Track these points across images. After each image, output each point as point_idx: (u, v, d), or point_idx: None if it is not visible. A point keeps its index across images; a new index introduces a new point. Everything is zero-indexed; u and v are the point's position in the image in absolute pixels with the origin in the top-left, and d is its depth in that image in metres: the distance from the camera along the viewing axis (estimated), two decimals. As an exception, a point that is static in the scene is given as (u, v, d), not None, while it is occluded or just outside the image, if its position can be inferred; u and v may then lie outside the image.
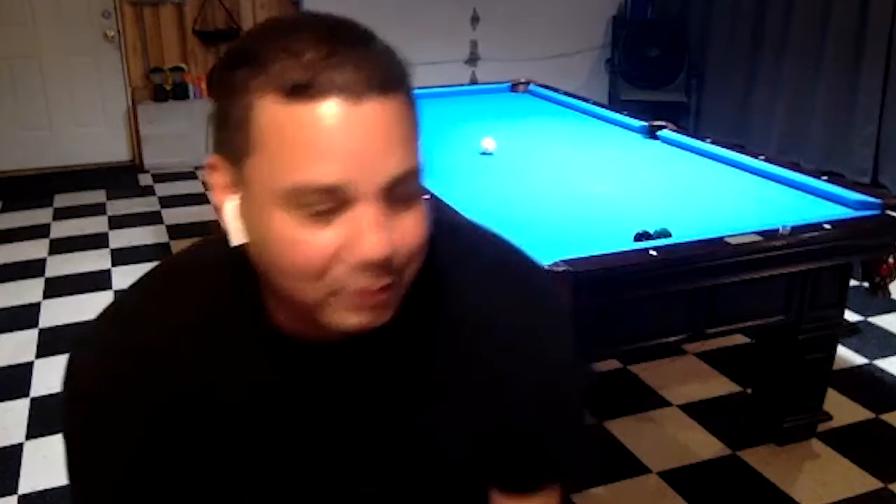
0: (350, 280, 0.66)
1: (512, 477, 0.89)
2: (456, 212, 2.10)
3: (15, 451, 2.41)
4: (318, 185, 0.63)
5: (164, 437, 0.77)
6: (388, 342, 0.76)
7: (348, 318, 0.69)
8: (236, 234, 0.70)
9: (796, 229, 2.00)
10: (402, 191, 0.67)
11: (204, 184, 5.03)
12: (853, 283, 2.29)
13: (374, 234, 0.64)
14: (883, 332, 3.12)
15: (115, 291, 3.50)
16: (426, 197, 0.73)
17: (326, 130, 0.62)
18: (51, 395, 2.70)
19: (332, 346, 0.75)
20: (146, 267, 0.85)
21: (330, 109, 0.62)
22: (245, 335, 0.77)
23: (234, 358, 0.77)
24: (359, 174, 0.64)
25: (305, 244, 0.65)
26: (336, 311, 0.68)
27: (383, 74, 0.65)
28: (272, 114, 0.63)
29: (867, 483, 2.26)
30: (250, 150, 0.65)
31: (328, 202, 0.64)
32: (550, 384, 0.85)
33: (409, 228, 0.68)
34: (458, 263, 0.82)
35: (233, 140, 0.67)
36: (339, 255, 0.65)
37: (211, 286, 0.78)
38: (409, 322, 0.76)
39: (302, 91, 0.62)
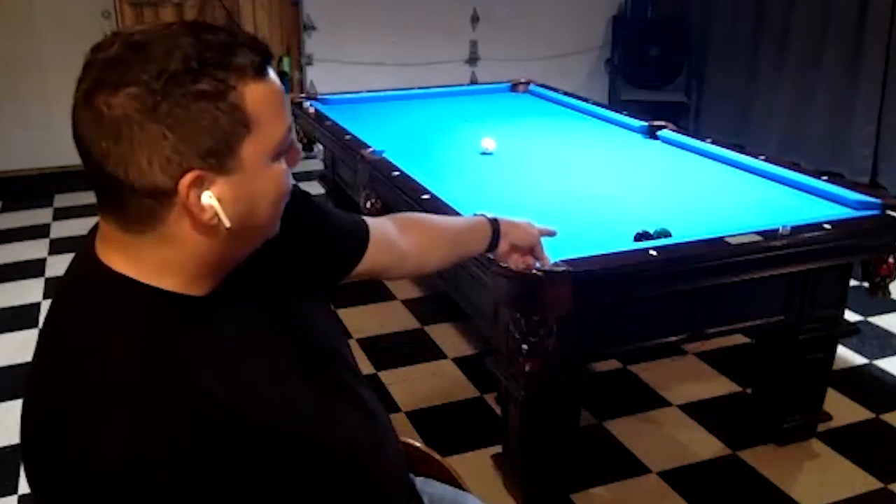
0: (290, 186, 0.90)
1: (346, 256, 1.18)
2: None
3: (15, 451, 2.41)
4: (289, 125, 0.88)
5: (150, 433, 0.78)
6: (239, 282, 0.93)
7: (278, 225, 0.92)
8: (225, 219, 0.83)
9: (796, 229, 2.00)
10: None
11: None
12: (853, 283, 2.28)
13: (297, 143, 0.93)
14: (883, 332, 3.12)
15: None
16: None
17: (277, 89, 0.85)
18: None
19: (219, 292, 0.90)
20: (146, 267, 0.86)
21: (271, 76, 0.85)
22: (181, 314, 0.86)
23: (191, 328, 0.86)
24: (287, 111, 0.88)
25: (285, 172, 0.88)
26: (277, 223, 0.91)
27: (262, 47, 0.87)
28: (255, 93, 0.81)
29: (867, 483, 2.26)
30: (247, 132, 0.82)
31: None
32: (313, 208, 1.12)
33: None
34: None
35: (227, 137, 0.80)
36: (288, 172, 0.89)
37: (113, 298, 0.85)
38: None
39: (264, 66, 0.83)
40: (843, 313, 2.32)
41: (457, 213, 2.11)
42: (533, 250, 1.42)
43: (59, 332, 0.87)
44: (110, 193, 0.82)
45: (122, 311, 0.84)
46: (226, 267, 0.89)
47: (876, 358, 2.94)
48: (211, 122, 0.78)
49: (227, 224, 0.82)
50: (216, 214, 0.82)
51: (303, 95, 3.95)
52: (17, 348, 3.04)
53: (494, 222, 1.35)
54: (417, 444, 1.33)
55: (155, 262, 0.84)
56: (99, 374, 0.79)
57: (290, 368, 0.96)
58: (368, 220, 1.23)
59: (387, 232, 1.24)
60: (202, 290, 0.88)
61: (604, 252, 1.86)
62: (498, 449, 2.25)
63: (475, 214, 1.39)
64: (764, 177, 2.52)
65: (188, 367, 0.82)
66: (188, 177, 0.79)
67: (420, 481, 1.26)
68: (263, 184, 0.85)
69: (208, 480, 0.77)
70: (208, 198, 0.80)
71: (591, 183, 2.56)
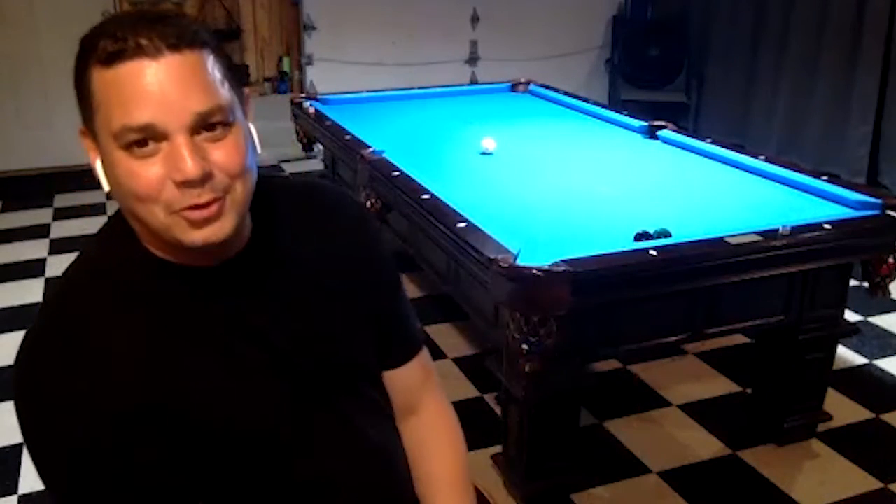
0: (179, 198, 0.85)
1: (391, 353, 1.15)
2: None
3: (15, 451, 2.41)
4: (135, 125, 0.83)
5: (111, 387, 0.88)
6: (252, 261, 0.97)
7: (192, 235, 0.87)
8: (105, 184, 0.90)
9: (796, 229, 2.00)
10: (212, 124, 0.86)
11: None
12: (853, 283, 2.28)
13: (186, 159, 0.84)
14: (883, 332, 3.12)
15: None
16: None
17: (134, 83, 0.83)
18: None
19: (212, 269, 0.94)
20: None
21: (135, 67, 0.83)
22: (153, 279, 0.93)
23: (155, 299, 0.93)
24: (165, 114, 0.83)
25: (142, 174, 0.85)
26: (180, 230, 0.87)
27: (175, 38, 0.84)
28: (99, 79, 0.84)
29: (867, 483, 2.26)
30: (95, 111, 0.85)
31: (148, 138, 0.84)
32: (389, 268, 1.15)
33: (225, 152, 0.87)
34: (290, 195, 1.08)
35: (85, 108, 0.87)
36: (165, 180, 0.85)
37: (105, 252, 0.97)
38: (264, 241, 0.98)
39: (114, 57, 0.83)
40: (843, 313, 2.32)
41: (457, 214, 2.11)
42: None
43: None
44: None
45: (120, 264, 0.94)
46: (162, 240, 0.90)
47: (876, 358, 2.94)
48: (79, 90, 0.88)
49: (105, 186, 0.89)
50: (98, 175, 0.90)
51: (303, 95, 3.95)
52: (17, 348, 3.03)
53: None
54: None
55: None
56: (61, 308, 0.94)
57: (263, 372, 0.97)
58: (423, 357, 1.20)
59: (423, 384, 1.21)
60: (193, 260, 0.93)
61: (604, 252, 1.86)
62: (498, 449, 2.25)
63: None
64: (764, 177, 2.52)
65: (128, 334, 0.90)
66: (80, 129, 0.91)
67: None
68: (115, 168, 0.86)
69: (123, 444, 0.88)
70: (92, 154, 0.90)
71: (591, 183, 2.56)
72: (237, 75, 0.92)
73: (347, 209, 1.12)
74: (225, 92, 0.87)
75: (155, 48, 0.82)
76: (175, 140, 0.84)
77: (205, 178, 0.85)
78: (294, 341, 0.99)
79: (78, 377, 0.87)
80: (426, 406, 1.20)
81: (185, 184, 0.84)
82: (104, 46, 0.83)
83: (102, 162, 0.89)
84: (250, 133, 0.93)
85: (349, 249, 1.08)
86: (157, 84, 0.82)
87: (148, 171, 0.84)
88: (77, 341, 0.89)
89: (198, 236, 0.87)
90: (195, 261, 0.93)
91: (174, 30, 0.84)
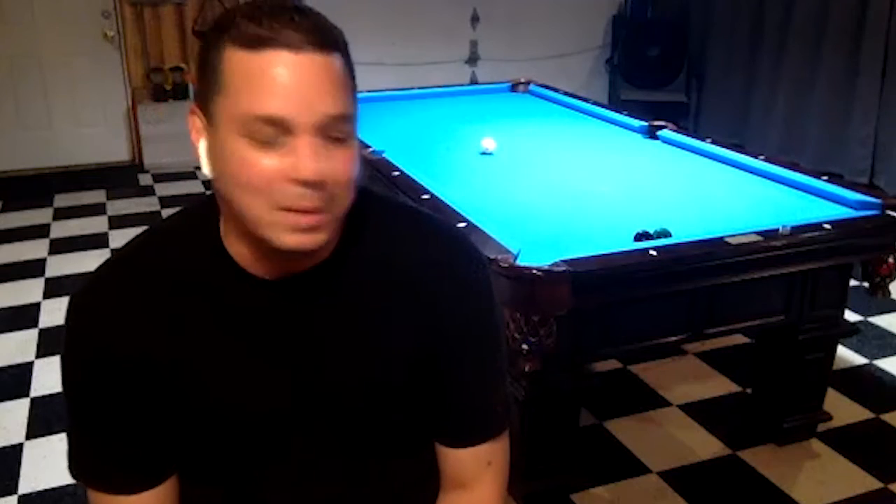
0: (289, 197, 0.83)
1: (447, 428, 1.03)
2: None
3: (15, 451, 2.41)
4: (264, 115, 0.81)
5: (150, 356, 0.92)
6: (329, 276, 0.94)
7: (288, 237, 0.85)
8: (206, 167, 0.88)
9: (796, 229, 2.00)
10: (335, 130, 0.84)
11: (204, 181, 5.04)
12: (853, 283, 2.28)
13: (309, 159, 0.82)
14: (883, 332, 3.12)
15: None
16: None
17: (272, 73, 0.81)
18: (51, 395, 2.70)
19: (285, 281, 0.93)
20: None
21: (276, 57, 0.81)
22: (212, 272, 0.93)
23: (204, 289, 0.93)
24: (297, 109, 0.81)
25: (256, 164, 0.82)
26: (278, 230, 0.85)
27: (318, 37, 0.83)
28: (234, 59, 0.82)
29: (867, 483, 2.26)
30: (218, 91, 0.83)
31: (273, 130, 0.82)
32: (472, 314, 0.99)
33: (340, 162, 0.85)
34: (385, 215, 1.01)
35: (207, 86, 0.85)
36: (280, 175, 0.82)
37: (184, 236, 0.97)
38: (344, 261, 0.95)
39: (256, 42, 0.81)
40: (843, 313, 2.32)
41: (457, 214, 2.11)
42: None
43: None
44: None
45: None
46: (255, 250, 0.90)
47: (876, 358, 2.94)
48: (204, 65, 0.86)
49: (205, 169, 0.88)
50: (200, 158, 0.88)
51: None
52: (17, 348, 3.04)
53: None
54: None
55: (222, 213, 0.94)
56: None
57: (266, 373, 0.96)
58: (490, 449, 1.05)
59: (479, 470, 1.06)
60: (265, 272, 0.92)
61: (604, 252, 1.85)
62: (498, 449, 2.24)
63: None
64: (764, 177, 2.52)
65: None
66: (191, 107, 0.90)
67: None
68: (227, 155, 0.84)
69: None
70: (196, 135, 0.89)
71: (592, 183, 2.55)
72: (356, 89, 0.89)
73: (442, 246, 1.00)
74: (351, 101, 0.86)
75: (298, 42, 0.81)
76: (301, 137, 0.82)
77: (320, 184, 0.83)
78: (329, 381, 0.96)
79: (101, 325, 0.92)
80: (475, 489, 1.06)
81: (302, 183, 0.82)
82: (246, 28, 0.82)
83: (210, 144, 0.87)
84: (359, 149, 0.90)
85: (440, 299, 0.97)
86: (296, 78, 0.81)
87: (263, 163, 0.82)
88: (117, 301, 0.93)
89: (291, 240, 0.85)
90: (268, 265, 0.92)
91: (317, 27, 0.83)
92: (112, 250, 4.00)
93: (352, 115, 0.86)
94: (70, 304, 0.95)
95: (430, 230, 1.02)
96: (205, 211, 0.95)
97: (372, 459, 1.03)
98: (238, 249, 0.92)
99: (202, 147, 0.88)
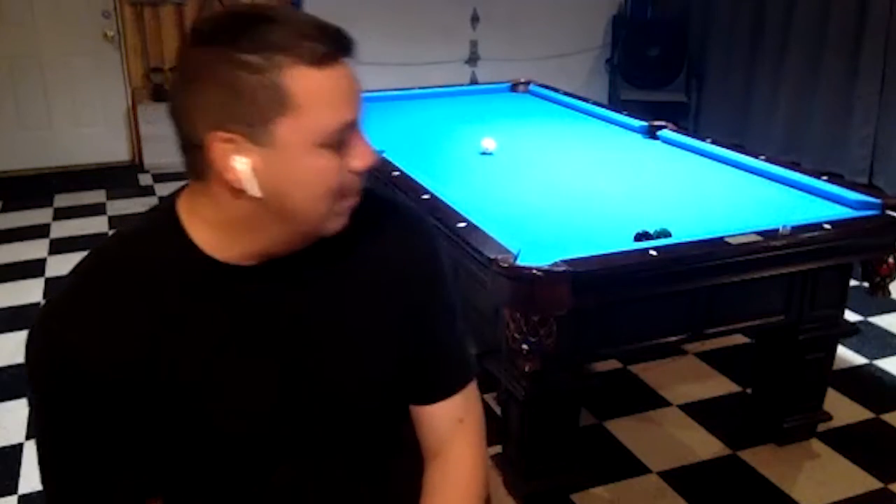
0: (355, 185, 0.92)
1: (430, 385, 1.08)
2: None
3: (15, 451, 2.41)
4: (347, 121, 0.88)
5: (127, 366, 0.90)
6: (308, 261, 0.96)
7: (336, 223, 0.92)
8: (254, 188, 0.87)
9: (796, 229, 2.00)
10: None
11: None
12: (853, 283, 2.28)
13: (370, 147, 0.91)
14: (883, 332, 3.12)
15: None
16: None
17: (344, 84, 0.87)
18: (51, 395, 2.70)
19: (259, 268, 0.94)
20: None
21: (342, 68, 0.87)
22: (184, 264, 0.93)
23: (178, 288, 0.92)
24: (359, 109, 0.90)
25: (336, 167, 0.88)
26: (333, 217, 0.92)
27: (348, 44, 0.89)
28: (306, 79, 0.84)
29: (867, 483, 2.26)
30: (285, 112, 0.84)
31: (348, 133, 0.88)
32: (443, 292, 1.08)
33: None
34: (374, 205, 1.03)
35: (255, 109, 0.84)
36: (346, 168, 0.89)
37: (151, 235, 0.96)
38: (326, 245, 0.96)
39: (326, 59, 0.85)
40: (843, 313, 2.32)
41: (457, 214, 2.11)
42: None
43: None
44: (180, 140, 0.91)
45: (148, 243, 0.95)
46: (267, 245, 0.92)
47: (876, 358, 2.94)
48: (250, 93, 0.83)
49: (257, 193, 0.87)
50: (245, 181, 0.86)
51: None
52: (17, 348, 3.04)
53: None
54: None
55: (202, 215, 0.92)
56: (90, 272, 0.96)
57: (269, 377, 0.96)
58: (462, 398, 1.09)
59: (454, 427, 1.09)
60: (240, 259, 0.93)
61: (604, 252, 1.86)
62: (498, 449, 2.24)
63: None
64: (764, 177, 2.52)
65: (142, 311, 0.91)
66: (218, 134, 0.85)
67: None
68: (301, 168, 0.87)
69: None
70: (240, 162, 0.85)
71: (591, 183, 2.55)
72: None
73: (418, 231, 1.07)
74: None
75: (349, 49, 0.88)
76: (357, 133, 0.90)
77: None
78: (316, 355, 0.98)
79: (79, 331, 0.90)
80: (451, 451, 1.09)
81: (364, 170, 0.91)
82: (314, 48, 0.84)
83: (267, 164, 0.86)
84: None
85: (407, 265, 1.03)
86: (355, 82, 0.89)
87: (337, 164, 0.89)
88: (98, 303, 0.91)
89: (338, 224, 0.93)
90: (245, 254, 0.93)
91: (341, 34, 0.89)
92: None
93: None
94: (44, 314, 0.93)
95: (391, 213, 1.07)
96: (166, 209, 0.95)
97: (360, 457, 1.04)
98: (208, 237, 0.92)
99: (245, 167, 0.86)
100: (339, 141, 0.87)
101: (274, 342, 0.95)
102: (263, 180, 0.86)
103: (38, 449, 0.95)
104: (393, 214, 1.06)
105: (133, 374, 0.90)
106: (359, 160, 0.90)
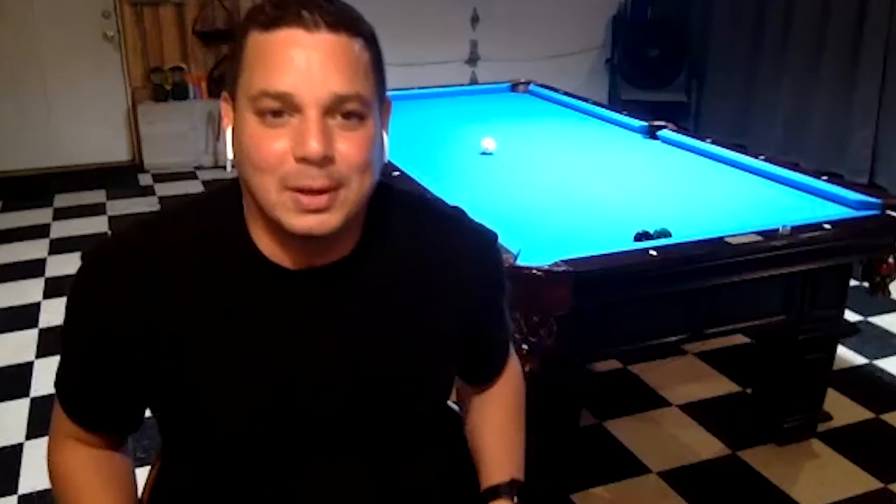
0: (295, 175, 0.84)
1: (484, 371, 1.17)
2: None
3: (15, 451, 2.40)
4: (274, 91, 0.83)
5: (151, 318, 0.92)
6: (351, 270, 0.95)
7: (296, 220, 0.85)
8: (230, 151, 0.90)
9: (796, 229, 2.00)
10: (347, 111, 0.85)
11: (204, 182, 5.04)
12: (853, 283, 2.28)
13: (312, 137, 0.83)
14: (883, 332, 3.12)
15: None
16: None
17: (284, 50, 0.83)
18: (51, 395, 2.69)
19: (306, 272, 0.93)
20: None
21: (289, 35, 0.83)
22: (232, 257, 0.94)
23: (222, 273, 0.93)
24: (305, 87, 0.83)
25: (264, 143, 0.84)
26: (286, 211, 0.85)
27: (336, 17, 0.85)
28: (253, 41, 0.86)
29: (867, 483, 2.26)
30: (240, 72, 0.87)
31: (283, 108, 0.83)
32: (496, 288, 1.10)
33: (353, 144, 0.86)
34: (406, 208, 1.03)
35: (231, 71, 0.89)
36: (287, 154, 0.84)
37: (210, 216, 0.97)
38: (367, 256, 0.96)
39: (273, 22, 0.84)
40: (843, 313, 2.32)
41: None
42: None
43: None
44: None
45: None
46: (273, 239, 0.92)
47: (876, 358, 2.94)
48: (233, 52, 0.89)
49: (229, 154, 0.90)
50: (228, 143, 0.91)
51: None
52: (17, 348, 3.04)
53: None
54: None
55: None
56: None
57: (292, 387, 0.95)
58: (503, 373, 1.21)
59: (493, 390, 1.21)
60: (275, 244, 0.92)
61: (604, 252, 1.85)
62: (498, 449, 2.24)
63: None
64: (764, 177, 2.52)
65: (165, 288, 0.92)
66: (223, 94, 0.92)
67: None
68: (244, 134, 0.86)
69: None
70: (227, 121, 0.91)
71: (591, 183, 2.55)
72: (384, 80, 0.92)
73: (468, 236, 1.07)
74: (368, 85, 0.87)
75: (314, 22, 0.83)
76: (307, 115, 0.83)
77: (325, 161, 0.83)
78: (350, 379, 0.96)
79: (110, 288, 0.93)
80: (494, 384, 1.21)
81: (305, 160, 0.83)
82: (268, 13, 0.85)
83: (234, 128, 0.89)
84: (382, 138, 0.92)
85: (471, 275, 1.03)
86: (305, 56, 0.83)
87: (273, 142, 0.84)
88: (130, 266, 0.93)
89: (301, 223, 0.86)
90: (290, 255, 0.92)
91: (337, 10, 0.86)
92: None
93: (366, 97, 0.86)
94: (87, 255, 0.96)
95: (446, 220, 1.07)
96: (232, 193, 0.96)
97: (391, 460, 1.03)
98: (260, 236, 0.93)
99: (229, 132, 0.90)
100: (271, 111, 0.83)
101: (303, 346, 0.95)
102: (234, 145, 0.89)
103: (63, 346, 1.02)
104: (450, 221, 1.07)
105: (151, 338, 0.92)
106: (298, 147, 0.83)
